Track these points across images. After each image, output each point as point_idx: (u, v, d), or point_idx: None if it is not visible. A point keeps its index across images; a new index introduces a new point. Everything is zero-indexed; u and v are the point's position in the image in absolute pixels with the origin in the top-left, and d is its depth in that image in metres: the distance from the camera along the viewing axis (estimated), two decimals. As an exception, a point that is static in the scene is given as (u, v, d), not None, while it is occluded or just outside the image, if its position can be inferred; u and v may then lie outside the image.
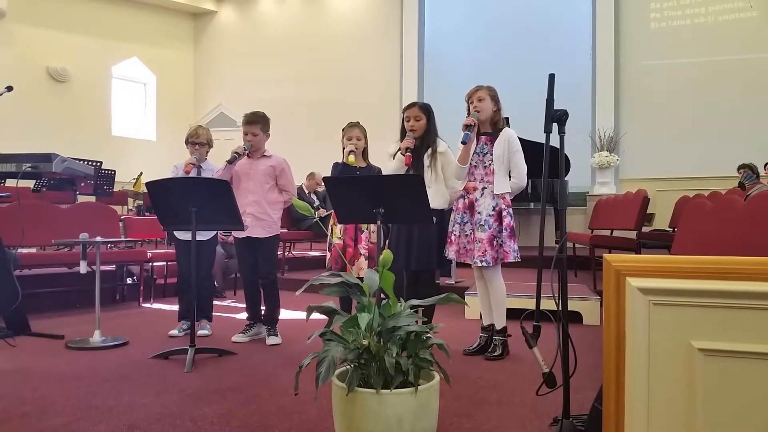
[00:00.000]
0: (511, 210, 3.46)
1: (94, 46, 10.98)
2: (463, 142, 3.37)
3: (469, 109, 3.50)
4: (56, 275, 5.32)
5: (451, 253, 3.53)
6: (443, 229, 3.61)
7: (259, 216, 3.90)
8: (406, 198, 2.76)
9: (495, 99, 3.49)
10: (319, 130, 10.01)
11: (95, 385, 2.84)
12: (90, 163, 6.85)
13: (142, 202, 8.54)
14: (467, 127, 3.35)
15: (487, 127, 3.51)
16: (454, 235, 3.52)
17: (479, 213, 3.43)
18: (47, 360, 3.37)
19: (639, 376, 1.43)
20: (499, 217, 3.41)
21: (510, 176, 3.48)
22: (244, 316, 4.21)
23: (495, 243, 3.39)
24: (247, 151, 3.89)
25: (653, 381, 1.42)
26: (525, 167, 3.47)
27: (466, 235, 3.50)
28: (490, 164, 3.47)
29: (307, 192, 7.73)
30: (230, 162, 3.84)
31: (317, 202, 7.55)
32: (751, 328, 1.35)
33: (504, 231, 3.40)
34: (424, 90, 10.57)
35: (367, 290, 2.00)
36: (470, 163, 3.50)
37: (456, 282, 5.94)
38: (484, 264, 3.38)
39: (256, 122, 3.92)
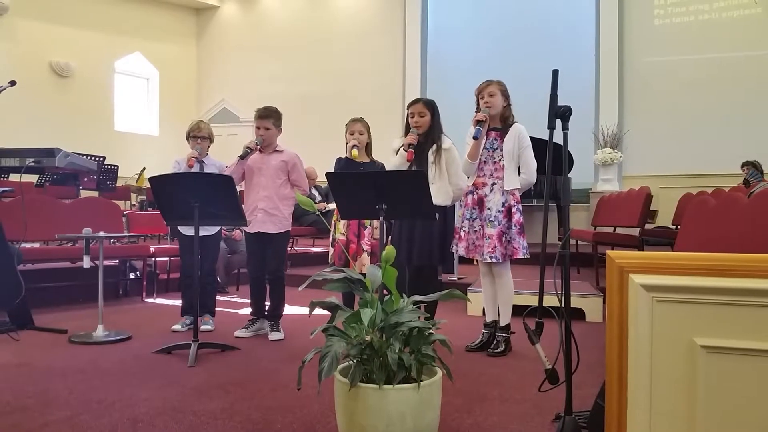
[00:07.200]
0: (520, 206, 3.45)
1: (97, 41, 10.98)
2: (475, 138, 3.36)
3: (478, 104, 3.49)
4: (59, 270, 5.34)
5: (460, 249, 3.53)
6: (445, 225, 3.61)
7: (271, 211, 3.90)
8: (409, 194, 2.76)
9: (505, 94, 3.48)
10: (322, 125, 10.00)
11: (98, 380, 2.85)
12: (93, 158, 6.86)
13: (144, 197, 8.56)
14: (478, 122, 3.34)
15: (497, 122, 3.50)
16: (463, 231, 3.51)
17: (489, 209, 3.43)
18: (50, 354, 3.38)
19: (641, 373, 1.43)
20: (509, 214, 3.41)
21: (519, 172, 3.47)
22: (247, 311, 4.22)
23: (504, 239, 3.39)
24: (258, 146, 3.88)
25: (656, 378, 1.42)
26: (535, 163, 3.46)
27: (475, 231, 3.49)
28: (499, 160, 3.46)
29: (307, 187, 7.72)
30: (242, 157, 3.84)
31: (318, 197, 7.55)
32: (753, 325, 1.35)
33: (513, 227, 3.40)
34: (427, 86, 10.55)
35: (369, 286, 2.00)
36: (480, 159, 3.49)
37: (459, 278, 5.94)
38: (493, 260, 3.37)
39: (269, 117, 3.92)
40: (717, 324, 1.37)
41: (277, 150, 3.99)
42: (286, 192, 3.97)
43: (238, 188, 3.72)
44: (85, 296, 5.15)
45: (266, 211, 3.89)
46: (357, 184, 2.83)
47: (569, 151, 2.21)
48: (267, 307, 4.01)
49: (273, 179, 3.93)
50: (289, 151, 4.02)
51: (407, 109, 3.64)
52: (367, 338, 1.86)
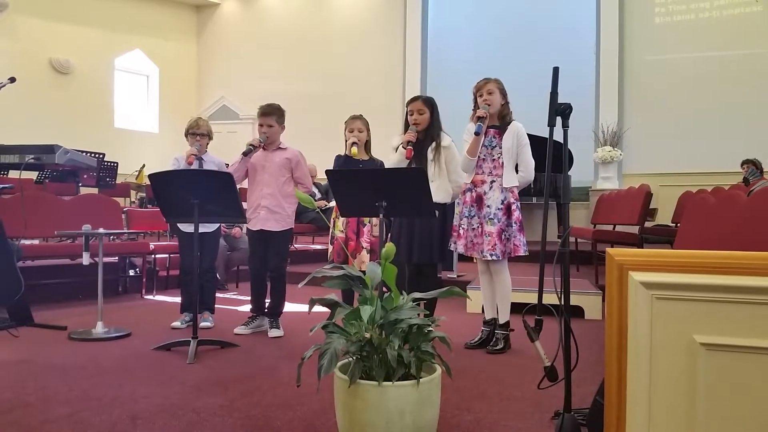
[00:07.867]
0: (519, 203, 3.46)
1: (97, 37, 10.97)
2: (476, 133, 3.36)
3: (476, 101, 3.50)
4: (59, 266, 5.33)
5: (459, 246, 3.53)
6: (445, 222, 3.61)
7: (274, 209, 3.90)
8: (408, 191, 2.75)
9: (503, 92, 3.49)
10: (321, 123, 9.98)
11: (98, 376, 2.85)
12: (93, 154, 6.84)
13: (144, 194, 8.54)
14: (479, 118, 3.35)
15: (495, 120, 3.50)
16: (462, 228, 3.52)
17: (488, 206, 3.43)
18: (50, 351, 3.38)
19: (641, 370, 1.43)
20: (508, 211, 3.41)
21: (517, 170, 3.47)
22: (246, 308, 4.22)
23: (504, 237, 3.40)
24: (262, 144, 3.88)
25: (655, 375, 1.42)
26: (533, 161, 3.48)
27: (474, 228, 3.49)
28: (498, 157, 3.47)
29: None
30: (245, 154, 3.83)
31: (318, 195, 7.56)
32: (753, 322, 1.35)
33: (513, 225, 3.40)
34: (426, 84, 10.53)
35: (369, 283, 2.00)
36: (479, 156, 3.49)
37: (458, 276, 5.94)
38: (493, 257, 3.38)
39: (272, 114, 3.91)
40: (716, 321, 1.37)
41: (280, 147, 3.99)
42: (289, 190, 3.97)
43: (240, 186, 3.72)
44: (85, 293, 5.15)
45: (269, 209, 3.89)
46: (356, 182, 2.82)
47: (569, 149, 2.21)
48: (267, 304, 4.01)
49: (276, 177, 3.93)
50: (292, 149, 4.02)
51: (406, 106, 3.63)
52: (367, 335, 1.86)
